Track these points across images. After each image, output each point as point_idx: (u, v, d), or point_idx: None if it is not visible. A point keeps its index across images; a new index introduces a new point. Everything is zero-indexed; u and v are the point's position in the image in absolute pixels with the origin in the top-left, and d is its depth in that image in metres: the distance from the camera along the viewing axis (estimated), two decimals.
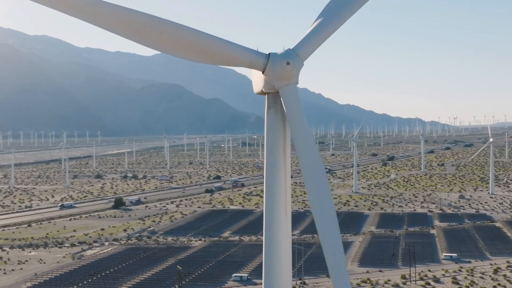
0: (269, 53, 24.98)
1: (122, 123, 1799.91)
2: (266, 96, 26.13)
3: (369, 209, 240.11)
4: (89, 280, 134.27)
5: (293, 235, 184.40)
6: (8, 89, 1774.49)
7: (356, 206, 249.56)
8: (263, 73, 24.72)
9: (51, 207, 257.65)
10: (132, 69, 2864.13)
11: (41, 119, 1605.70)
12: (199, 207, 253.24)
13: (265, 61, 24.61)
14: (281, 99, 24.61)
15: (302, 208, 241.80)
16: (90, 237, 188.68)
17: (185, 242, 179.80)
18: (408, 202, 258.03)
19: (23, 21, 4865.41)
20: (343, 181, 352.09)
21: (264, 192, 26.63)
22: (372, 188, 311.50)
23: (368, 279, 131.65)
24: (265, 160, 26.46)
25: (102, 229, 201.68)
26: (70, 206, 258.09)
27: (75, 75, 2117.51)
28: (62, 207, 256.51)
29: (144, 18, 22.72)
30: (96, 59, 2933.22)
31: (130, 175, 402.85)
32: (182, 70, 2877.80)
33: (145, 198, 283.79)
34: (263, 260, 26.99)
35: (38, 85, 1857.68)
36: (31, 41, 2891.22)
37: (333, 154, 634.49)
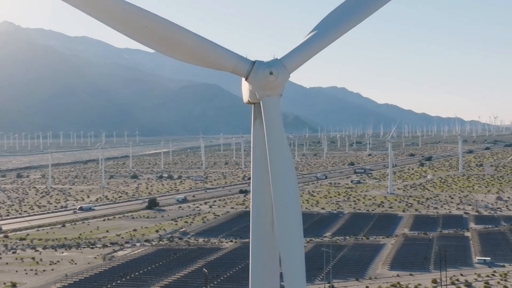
0: (255, 61, 24.22)
1: (160, 123, 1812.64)
2: (253, 106, 25.38)
3: (403, 211, 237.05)
4: (118, 281, 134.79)
5: (324, 237, 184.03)
6: (49, 90, 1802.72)
7: (391, 207, 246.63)
8: (246, 80, 23.97)
9: (67, 210, 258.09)
10: (170, 70, 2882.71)
11: (81, 120, 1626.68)
12: (232, 208, 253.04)
13: (249, 68, 23.87)
14: (261, 109, 23.80)
15: (335, 209, 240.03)
16: (122, 238, 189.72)
17: (216, 243, 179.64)
18: (444, 204, 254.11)
19: (64, 23, 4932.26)
20: (378, 181, 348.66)
21: (251, 204, 25.96)
22: (407, 189, 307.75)
23: (398, 283, 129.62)
24: (251, 172, 25.78)
25: (135, 230, 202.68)
26: (89, 209, 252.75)
27: (115, 76, 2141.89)
28: (81, 209, 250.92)
29: (130, 9, 22.11)
30: (136, 59, 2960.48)
31: (165, 175, 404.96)
32: (220, 70, 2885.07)
33: (193, 196, 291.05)
34: (250, 272, 26.22)
35: (79, 86, 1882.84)
36: (72, 42, 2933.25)
37: (370, 154, 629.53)
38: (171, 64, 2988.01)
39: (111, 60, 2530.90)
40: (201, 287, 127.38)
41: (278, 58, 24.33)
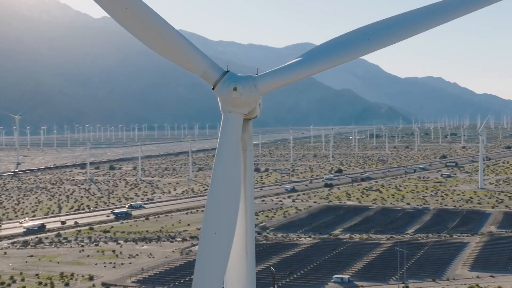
0: (227, 71, 22.62)
1: None
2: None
3: (492, 207, 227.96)
4: (192, 276, 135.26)
5: (405, 234, 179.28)
6: (146, 83, 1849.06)
7: (479, 203, 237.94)
8: (213, 89, 22.42)
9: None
10: (264, 61, 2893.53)
11: (176, 112, 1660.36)
12: (315, 202, 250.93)
13: (218, 78, 22.34)
14: (221, 123, 22.26)
15: (420, 205, 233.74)
16: None
17: (294, 239, 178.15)
18: None
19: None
20: (470, 176, 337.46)
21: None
22: (500, 184, 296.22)
23: (477, 285, 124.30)
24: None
25: None
26: (140, 207, 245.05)
27: None
28: (131, 207, 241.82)
29: None
30: (229, 52, 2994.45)
31: (252, 168, 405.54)
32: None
33: (306, 185, 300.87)
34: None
35: (175, 78, 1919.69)
36: None
37: (464, 147, 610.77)
38: (264, 56, 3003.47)
39: (205, 52, 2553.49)
40: (272, 285, 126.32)
41: (253, 76, 22.62)
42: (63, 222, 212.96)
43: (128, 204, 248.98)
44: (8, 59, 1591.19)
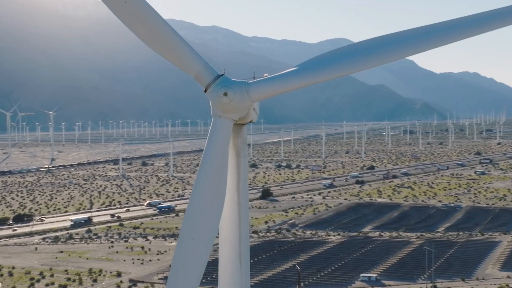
0: (221, 75, 22.14)
1: (287, 111, 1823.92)
2: None
3: None
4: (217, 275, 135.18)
5: (436, 232, 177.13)
6: (179, 78, 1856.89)
7: None
8: (205, 92, 21.97)
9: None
10: (298, 57, 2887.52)
11: (208, 108, 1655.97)
12: (345, 199, 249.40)
13: (211, 81, 21.86)
14: (210, 127, 21.83)
15: (452, 203, 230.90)
16: None
17: (323, 236, 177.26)
18: None
19: (194, 13, 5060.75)
20: (504, 173, 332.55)
21: (219, 235, 23.96)
22: None
23: (507, 285, 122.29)
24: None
25: None
26: (157, 205, 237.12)
27: (243, 65, 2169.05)
28: (149, 205, 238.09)
29: None
30: (263, 48, 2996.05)
31: (284, 164, 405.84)
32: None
33: (346, 180, 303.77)
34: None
35: None
36: (201, 31, 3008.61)
37: (499, 143, 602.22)
38: (298, 51, 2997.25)
39: (239, 48, 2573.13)
40: (298, 283, 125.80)
41: (247, 82, 22.10)
42: (112, 216, 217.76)
43: (147, 202, 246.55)
44: (44, 56, 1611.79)
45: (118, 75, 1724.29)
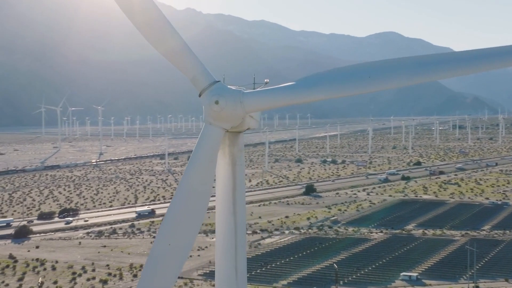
0: (217, 82, 21.63)
1: (334, 105, 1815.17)
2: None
3: None
4: (258, 271, 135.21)
5: (481, 230, 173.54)
6: (229, 73, 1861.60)
7: None
8: (199, 96, 21.52)
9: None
10: (346, 51, 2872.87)
11: None
12: (390, 195, 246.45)
13: (206, 87, 21.41)
14: (200, 133, 21.38)
15: (500, 200, 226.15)
16: (272, 224, 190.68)
17: (365, 234, 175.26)
18: None
19: (242, 7, 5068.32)
20: None
21: (215, 245, 23.47)
22: None
23: None
24: (216, 211, 23.39)
25: (287, 217, 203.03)
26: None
27: (290, 59, 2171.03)
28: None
29: None
30: (311, 42, 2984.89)
31: (329, 159, 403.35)
32: (393, 50, 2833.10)
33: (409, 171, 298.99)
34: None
35: (255, 70, 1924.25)
36: (250, 26, 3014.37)
37: None
38: (346, 45, 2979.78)
39: (287, 43, 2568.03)
40: (338, 282, 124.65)
41: (243, 91, 21.46)
42: None
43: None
44: (95, 52, 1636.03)
45: (167, 70, 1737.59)
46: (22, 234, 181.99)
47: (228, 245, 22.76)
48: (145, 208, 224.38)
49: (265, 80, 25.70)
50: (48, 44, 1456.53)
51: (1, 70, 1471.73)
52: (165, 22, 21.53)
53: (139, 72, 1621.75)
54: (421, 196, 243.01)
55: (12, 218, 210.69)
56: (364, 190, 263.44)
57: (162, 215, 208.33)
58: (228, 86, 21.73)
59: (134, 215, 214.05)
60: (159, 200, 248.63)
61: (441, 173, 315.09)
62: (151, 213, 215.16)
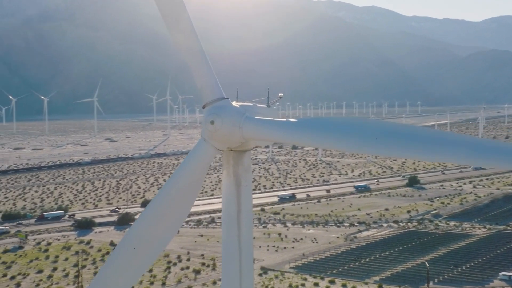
0: (223, 99, 20.71)
1: (446, 92, 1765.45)
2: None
3: None
4: (351, 265, 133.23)
5: None
6: (338, 60, 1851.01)
7: None
8: (203, 108, 20.78)
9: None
10: (460, 36, 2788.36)
11: (365, 90, 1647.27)
12: (497, 188, 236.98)
13: (210, 101, 20.61)
14: (193, 147, 20.72)
15: None
16: (371, 217, 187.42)
17: (467, 229, 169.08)
18: None
19: None
20: None
21: (222, 268, 22.51)
22: None
23: None
24: (222, 230, 22.39)
25: (386, 209, 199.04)
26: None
27: (402, 45, 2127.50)
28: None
29: None
30: (423, 27, 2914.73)
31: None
32: (511, 35, 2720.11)
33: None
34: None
35: (365, 56, 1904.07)
36: (360, 12, 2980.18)
37: None
38: (460, 30, 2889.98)
39: (398, 29, 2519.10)
40: (433, 280, 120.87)
41: (247, 116, 20.26)
42: (327, 191, 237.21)
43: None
44: (205, 42, 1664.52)
45: (277, 59, 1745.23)
46: (125, 221, 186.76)
47: (233, 272, 21.74)
48: (287, 192, 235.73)
49: (280, 94, 24.52)
50: (160, 33, 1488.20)
51: (116, 59, 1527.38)
52: (192, 28, 21.42)
53: (249, 61, 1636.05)
54: None
55: (62, 211, 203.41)
56: (470, 182, 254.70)
57: (301, 199, 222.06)
58: (235, 105, 20.66)
59: (276, 199, 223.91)
60: (259, 189, 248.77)
61: None
62: (292, 196, 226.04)
